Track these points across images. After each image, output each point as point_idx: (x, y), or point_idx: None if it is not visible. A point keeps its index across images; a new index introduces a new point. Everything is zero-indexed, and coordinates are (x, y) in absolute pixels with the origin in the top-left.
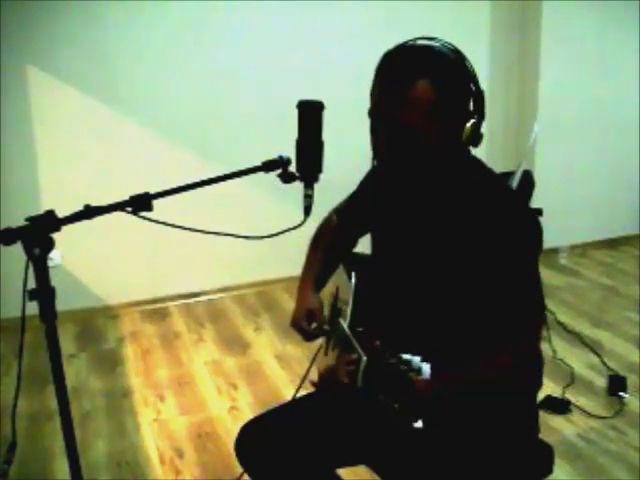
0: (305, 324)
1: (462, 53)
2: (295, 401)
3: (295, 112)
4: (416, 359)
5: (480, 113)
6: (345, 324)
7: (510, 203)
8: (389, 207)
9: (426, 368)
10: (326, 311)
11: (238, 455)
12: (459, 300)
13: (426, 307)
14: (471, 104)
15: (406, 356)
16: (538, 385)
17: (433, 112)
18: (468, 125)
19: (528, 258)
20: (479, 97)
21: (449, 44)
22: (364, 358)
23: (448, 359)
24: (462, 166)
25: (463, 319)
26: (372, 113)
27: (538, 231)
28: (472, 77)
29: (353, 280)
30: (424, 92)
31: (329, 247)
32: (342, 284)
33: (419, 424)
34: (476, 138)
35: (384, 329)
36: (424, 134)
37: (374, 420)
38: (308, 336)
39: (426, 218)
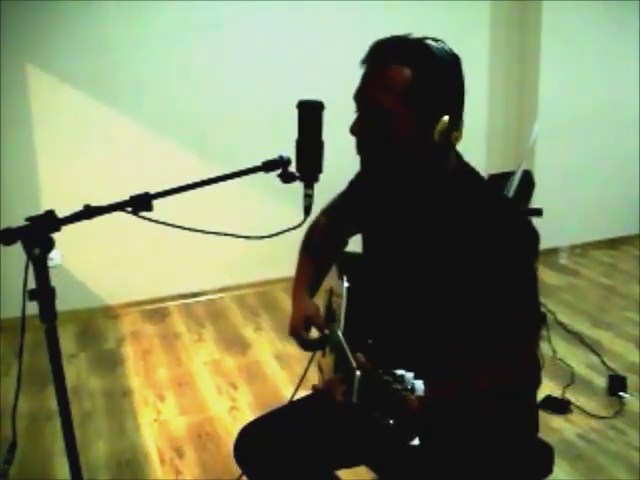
0: (305, 333)
1: (455, 55)
2: (294, 403)
3: (295, 112)
4: (409, 375)
5: (457, 113)
6: (340, 331)
7: (504, 210)
8: (377, 208)
9: (419, 385)
10: (322, 312)
11: (237, 458)
12: (451, 308)
13: (418, 312)
14: (451, 104)
15: (399, 372)
16: (537, 385)
17: (403, 96)
18: (444, 119)
19: (523, 268)
20: (459, 99)
21: (445, 44)
22: (357, 373)
23: (442, 370)
24: (448, 169)
25: (456, 328)
26: (354, 98)
27: (534, 239)
28: (455, 77)
29: (345, 284)
30: (395, 75)
31: (320, 249)
32: (335, 285)
33: (415, 442)
34: (450, 135)
35: (378, 336)
36: (394, 119)
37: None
38: (307, 346)
39: (414, 221)
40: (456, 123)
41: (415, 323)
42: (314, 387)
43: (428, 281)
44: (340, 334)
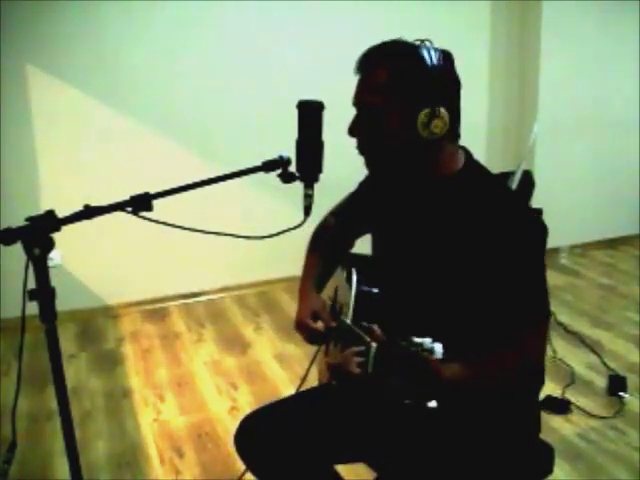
0: (311, 323)
1: (440, 51)
2: (296, 395)
3: (295, 112)
4: (427, 340)
5: (439, 104)
6: (348, 321)
7: (511, 202)
8: (387, 206)
9: (438, 348)
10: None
11: (237, 447)
12: (463, 301)
13: (429, 308)
14: (432, 97)
15: (416, 339)
16: (540, 384)
17: (385, 94)
18: (425, 111)
19: (532, 257)
20: (442, 92)
21: (430, 43)
22: (374, 344)
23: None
24: (453, 164)
25: (468, 320)
26: (352, 104)
27: (542, 229)
28: (436, 71)
29: (354, 278)
30: (377, 76)
31: (327, 249)
32: (340, 285)
33: (433, 404)
34: (430, 125)
35: (387, 328)
36: (381, 117)
37: (373, 416)
38: (313, 337)
39: (423, 217)
40: (437, 112)
41: (428, 314)
42: (327, 363)
43: (440, 275)
44: (349, 322)
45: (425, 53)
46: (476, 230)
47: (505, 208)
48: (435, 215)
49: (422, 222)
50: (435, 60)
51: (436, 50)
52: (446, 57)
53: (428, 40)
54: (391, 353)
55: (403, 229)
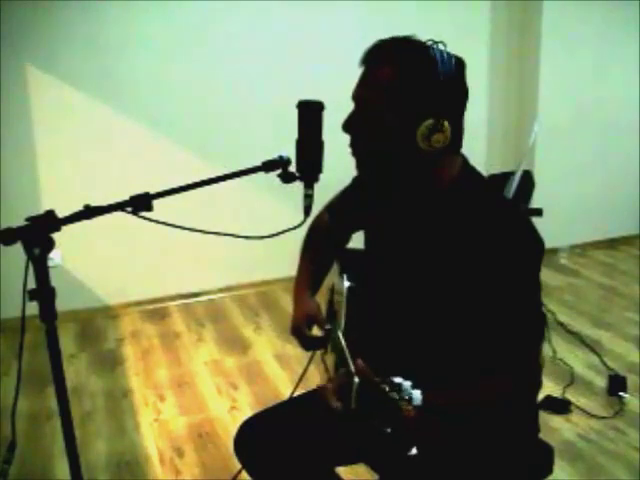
0: (307, 331)
1: (454, 59)
2: (295, 399)
3: (295, 112)
4: (407, 384)
5: (443, 116)
6: (340, 331)
7: (509, 218)
8: (378, 213)
9: (417, 395)
10: (323, 308)
11: (237, 452)
12: (451, 315)
13: (418, 316)
14: (436, 107)
15: (397, 380)
16: (537, 388)
17: (386, 94)
18: (427, 122)
19: (527, 278)
20: (448, 103)
21: (443, 47)
22: (356, 380)
23: (441, 379)
24: (448, 175)
25: (457, 335)
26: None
27: (539, 249)
28: (445, 80)
29: (346, 284)
30: (381, 74)
31: (322, 246)
32: (337, 280)
33: (413, 451)
34: (431, 138)
35: (375, 339)
36: (378, 116)
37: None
38: (308, 344)
39: (414, 226)
40: (440, 126)
41: (415, 327)
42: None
43: (428, 286)
44: (340, 334)
45: (439, 57)
46: (467, 248)
47: (502, 224)
48: (426, 229)
49: (411, 234)
50: (448, 67)
51: (450, 55)
52: (459, 64)
53: (442, 42)
54: (371, 394)
55: (392, 238)
